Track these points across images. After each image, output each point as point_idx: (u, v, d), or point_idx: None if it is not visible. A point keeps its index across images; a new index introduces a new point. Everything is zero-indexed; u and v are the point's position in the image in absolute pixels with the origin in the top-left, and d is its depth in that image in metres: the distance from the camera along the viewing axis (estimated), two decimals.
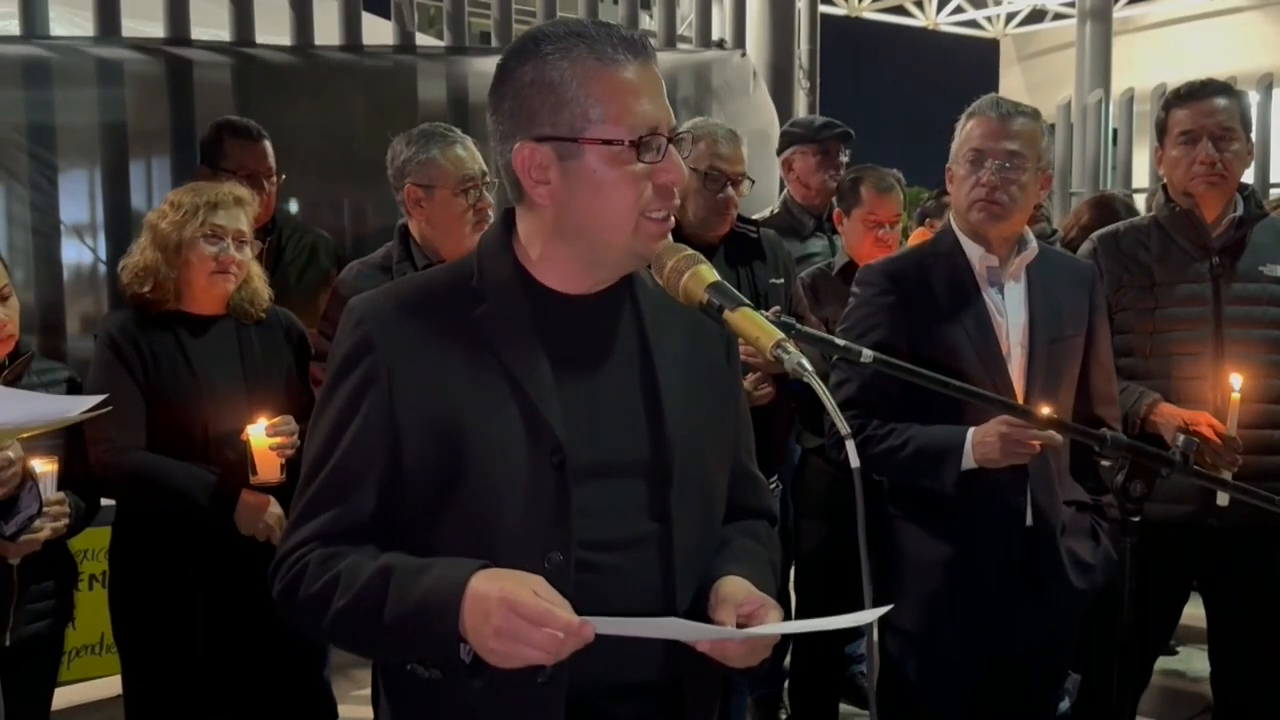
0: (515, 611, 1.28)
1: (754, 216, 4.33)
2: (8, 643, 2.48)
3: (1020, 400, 2.42)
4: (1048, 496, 2.46)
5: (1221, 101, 2.83)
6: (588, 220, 1.42)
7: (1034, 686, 2.62)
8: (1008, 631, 2.49)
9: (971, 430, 2.38)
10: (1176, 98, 2.89)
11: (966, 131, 2.51)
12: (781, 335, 1.35)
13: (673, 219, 1.45)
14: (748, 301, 1.40)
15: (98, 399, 1.96)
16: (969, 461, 2.38)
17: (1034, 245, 2.55)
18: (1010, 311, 2.52)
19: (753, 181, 3.23)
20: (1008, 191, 2.44)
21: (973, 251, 2.53)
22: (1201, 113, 2.82)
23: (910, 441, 2.44)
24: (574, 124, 1.39)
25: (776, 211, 4.23)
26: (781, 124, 6.29)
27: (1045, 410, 2.28)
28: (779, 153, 4.34)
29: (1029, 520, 2.46)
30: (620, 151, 1.39)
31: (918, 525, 2.54)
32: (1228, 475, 2.61)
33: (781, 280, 3.26)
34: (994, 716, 2.60)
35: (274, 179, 3.53)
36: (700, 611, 1.45)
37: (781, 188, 4.80)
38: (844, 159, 4.14)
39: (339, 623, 1.40)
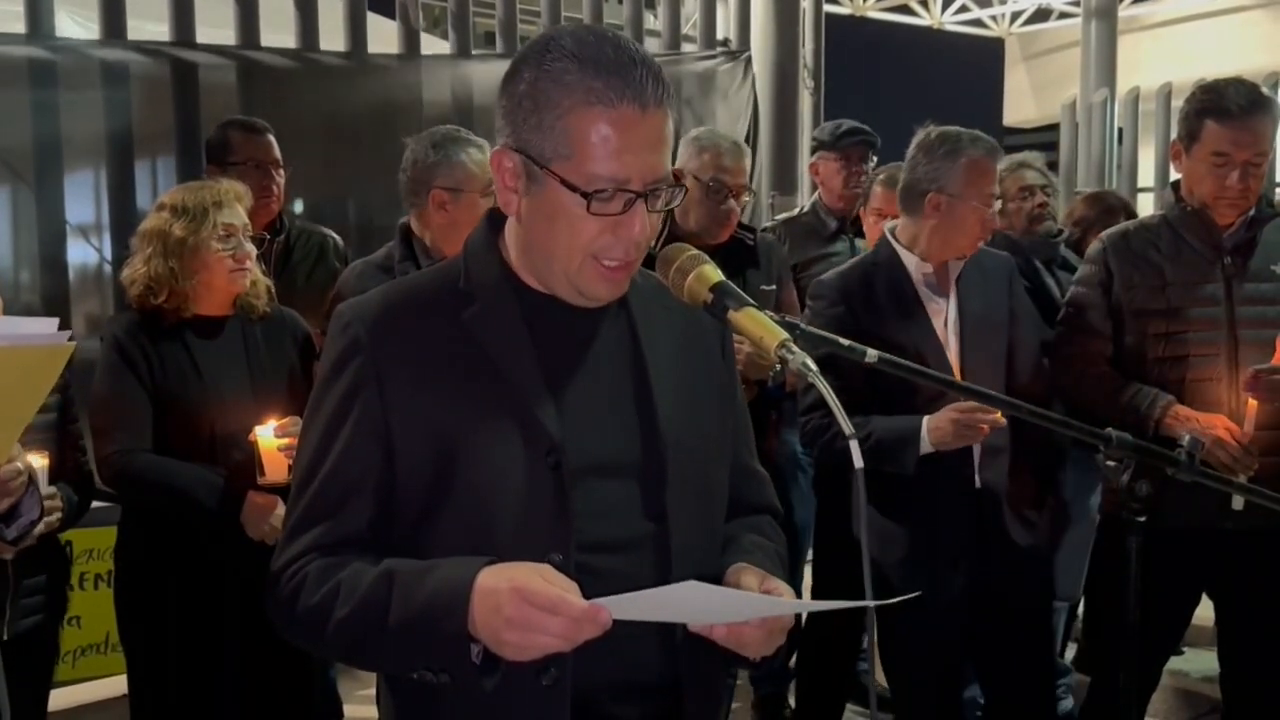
0: (528, 600, 1.26)
1: (779, 216, 4.47)
2: (4, 637, 2.47)
3: (958, 377, 2.70)
4: (994, 464, 2.77)
5: (1260, 124, 2.73)
6: (539, 241, 1.42)
7: (1018, 628, 2.88)
8: (967, 579, 2.76)
9: (925, 419, 2.66)
10: (1217, 110, 2.74)
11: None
12: (786, 335, 1.35)
13: (629, 267, 1.42)
14: (751, 301, 1.40)
15: (53, 320, 1.92)
16: (926, 446, 2.66)
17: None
18: (945, 307, 2.81)
19: (754, 192, 3.32)
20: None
21: (909, 260, 2.83)
22: (1242, 141, 2.72)
23: (872, 434, 2.68)
24: (544, 151, 1.36)
25: (805, 212, 4.33)
26: (786, 124, 6.33)
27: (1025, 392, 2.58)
28: (810, 157, 4.47)
29: (978, 484, 2.77)
30: (575, 195, 1.36)
31: (875, 507, 2.77)
32: (1243, 478, 2.59)
33: (773, 287, 3.36)
34: (989, 662, 2.92)
35: (281, 170, 3.55)
36: None
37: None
38: (869, 165, 4.20)
39: (341, 632, 1.37)
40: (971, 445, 2.70)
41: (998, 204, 2.91)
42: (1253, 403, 2.67)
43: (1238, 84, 2.78)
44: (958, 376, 2.71)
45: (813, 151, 4.44)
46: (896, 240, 2.87)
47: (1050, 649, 3.05)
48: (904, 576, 2.73)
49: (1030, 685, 2.98)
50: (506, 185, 1.42)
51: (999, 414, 2.59)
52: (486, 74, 5.10)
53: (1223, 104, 2.74)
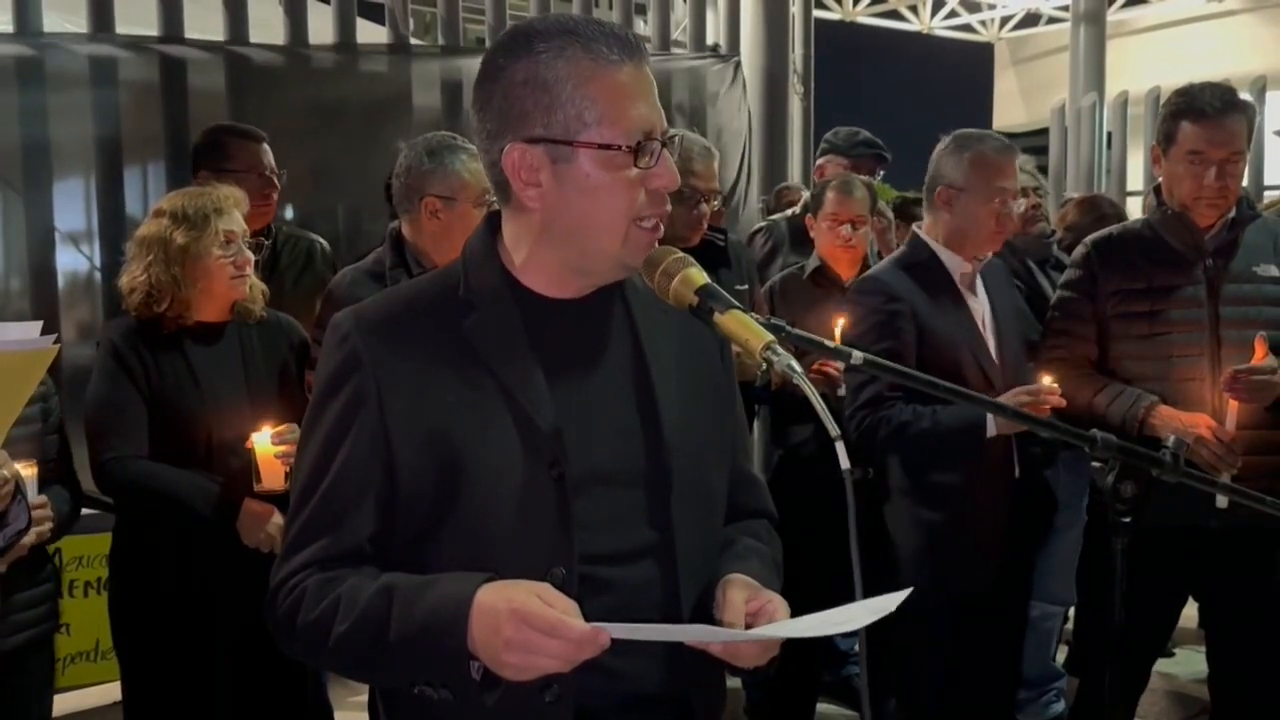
0: (526, 623, 1.25)
1: (774, 216, 4.50)
2: None
3: (1000, 373, 2.88)
4: (1033, 451, 2.90)
5: (1234, 123, 2.77)
6: (579, 225, 1.39)
7: (1002, 616, 3.00)
8: (984, 564, 2.86)
9: None
10: (1192, 111, 2.79)
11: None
12: (771, 337, 1.34)
13: (662, 228, 1.43)
14: (737, 304, 1.39)
15: (37, 324, 1.92)
16: (992, 429, 2.76)
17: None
18: (980, 305, 2.96)
19: (722, 196, 3.37)
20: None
21: (951, 260, 2.92)
22: (1215, 140, 2.76)
23: (941, 422, 2.78)
24: (568, 126, 1.36)
25: (797, 214, 4.33)
26: (775, 129, 6.34)
27: (1047, 379, 2.78)
28: (816, 159, 4.48)
29: (1017, 473, 2.88)
30: (616, 156, 1.35)
31: (912, 492, 2.93)
32: (1227, 477, 2.61)
33: (746, 286, 3.41)
34: (964, 646, 2.94)
35: (277, 176, 3.55)
36: (705, 611, 1.44)
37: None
38: (875, 180, 4.22)
39: (341, 648, 1.36)
40: (1011, 439, 2.83)
41: (1020, 203, 3.00)
42: (1234, 402, 2.69)
43: (1212, 86, 2.83)
44: (998, 368, 2.91)
45: (822, 153, 4.44)
46: (929, 239, 2.97)
47: (1019, 650, 3.19)
48: (933, 564, 2.85)
49: (997, 684, 3.10)
50: (525, 181, 1.39)
51: (1059, 395, 2.71)
52: (475, 69, 5.11)
53: (1196, 105, 2.79)
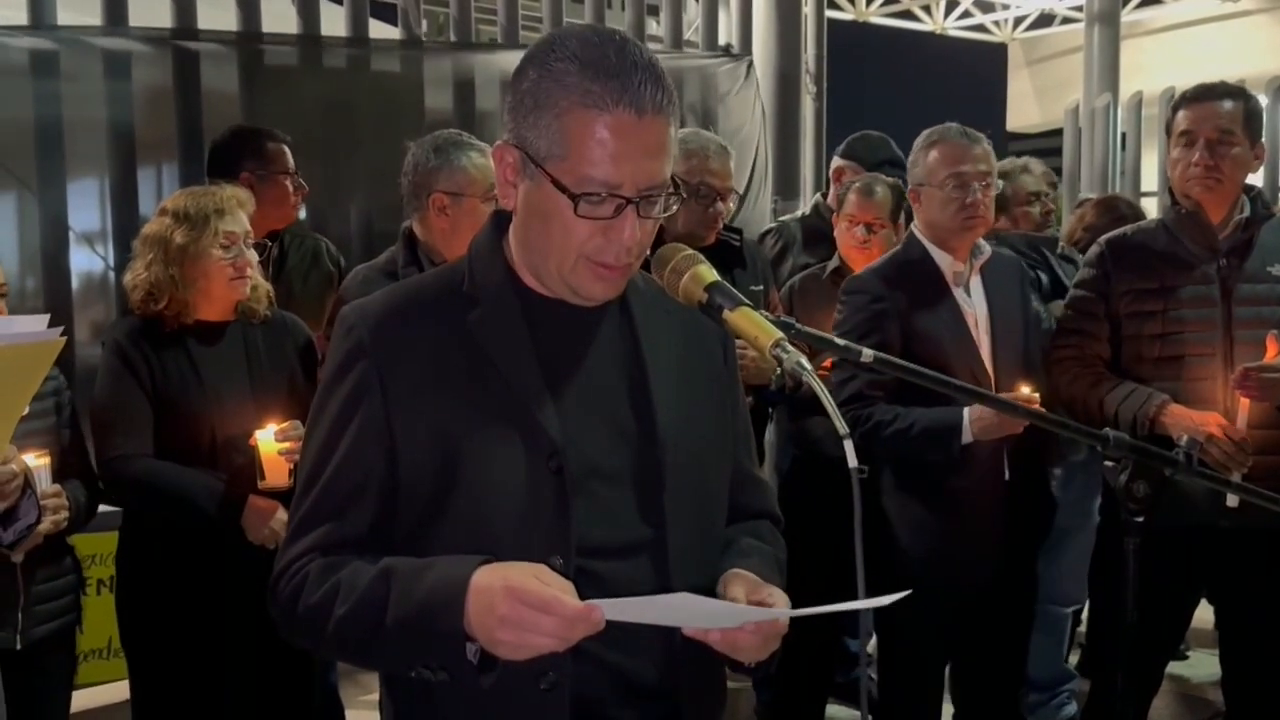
0: (521, 600, 1.26)
1: (784, 217, 4.50)
2: (18, 646, 2.47)
3: (991, 377, 2.85)
4: (1025, 455, 2.87)
5: (1225, 104, 2.81)
6: (536, 236, 1.42)
7: (1005, 617, 3.00)
8: (980, 566, 2.85)
9: (966, 410, 2.74)
10: (1183, 99, 2.88)
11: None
12: (780, 335, 1.35)
13: (623, 270, 1.42)
14: (747, 301, 1.40)
15: (44, 317, 1.93)
16: (967, 436, 2.75)
17: (987, 250, 2.96)
18: (975, 306, 2.91)
19: (740, 195, 3.35)
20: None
21: (941, 259, 2.91)
22: (1201, 116, 2.81)
23: (915, 424, 2.78)
24: (540, 149, 1.37)
25: (808, 214, 4.33)
26: (788, 129, 6.33)
27: (1025, 389, 2.76)
28: (836, 158, 4.47)
29: (1007, 476, 2.85)
30: (563, 195, 1.36)
31: (907, 493, 2.91)
32: (1237, 476, 2.60)
33: (761, 287, 3.40)
34: (968, 648, 2.99)
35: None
36: None
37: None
38: None
39: (341, 631, 1.38)
40: (1004, 441, 2.78)
41: (985, 191, 2.88)
42: (1246, 401, 2.68)
43: (1210, 81, 2.90)
44: (989, 372, 2.85)
45: (842, 154, 4.43)
46: (921, 237, 2.96)
47: (1024, 650, 3.15)
48: (929, 566, 2.83)
49: (1002, 684, 3.10)
50: (506, 179, 1.43)
51: (1038, 404, 2.69)
52: (488, 71, 5.12)
53: (1187, 93, 2.88)
